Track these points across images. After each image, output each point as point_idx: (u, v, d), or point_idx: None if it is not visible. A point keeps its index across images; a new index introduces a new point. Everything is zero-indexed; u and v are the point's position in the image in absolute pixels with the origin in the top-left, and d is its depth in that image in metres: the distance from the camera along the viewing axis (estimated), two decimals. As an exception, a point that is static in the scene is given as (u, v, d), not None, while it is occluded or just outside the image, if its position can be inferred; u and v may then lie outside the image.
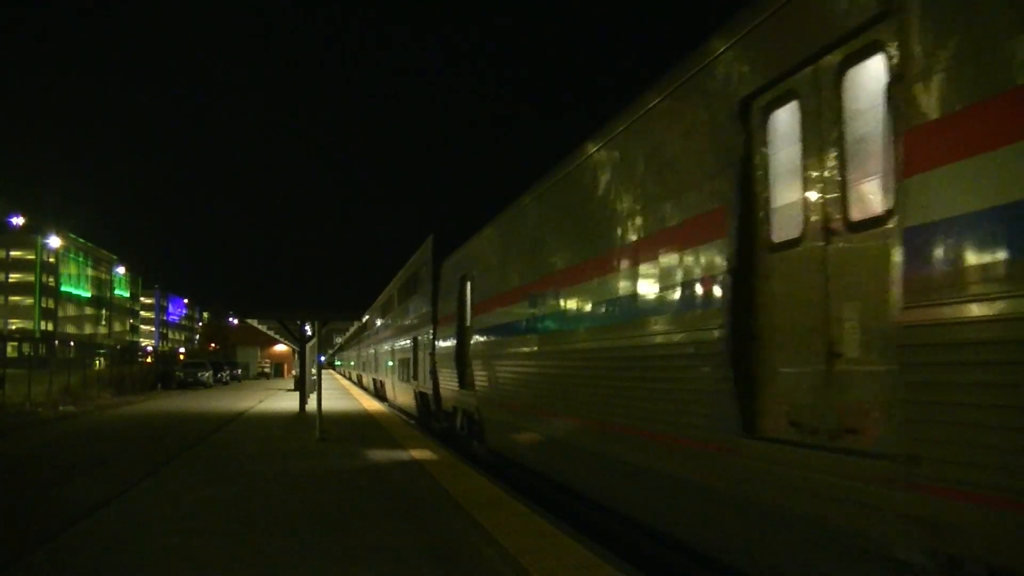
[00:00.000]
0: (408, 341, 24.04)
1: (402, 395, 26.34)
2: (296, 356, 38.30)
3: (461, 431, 16.11)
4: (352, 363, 65.07)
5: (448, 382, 16.73)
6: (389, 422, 21.55)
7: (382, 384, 34.32)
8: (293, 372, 58.76)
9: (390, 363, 30.02)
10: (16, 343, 42.83)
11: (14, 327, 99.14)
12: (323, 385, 23.21)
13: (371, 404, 30.81)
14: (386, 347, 32.30)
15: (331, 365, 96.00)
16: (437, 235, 19.95)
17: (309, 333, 26.20)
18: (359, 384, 51.55)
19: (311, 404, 24.87)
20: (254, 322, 28.01)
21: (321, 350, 24.09)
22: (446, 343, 16.85)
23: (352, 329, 48.37)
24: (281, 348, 75.41)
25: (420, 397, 21.42)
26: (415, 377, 22.09)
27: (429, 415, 20.45)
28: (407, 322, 25.15)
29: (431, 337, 18.95)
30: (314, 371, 26.79)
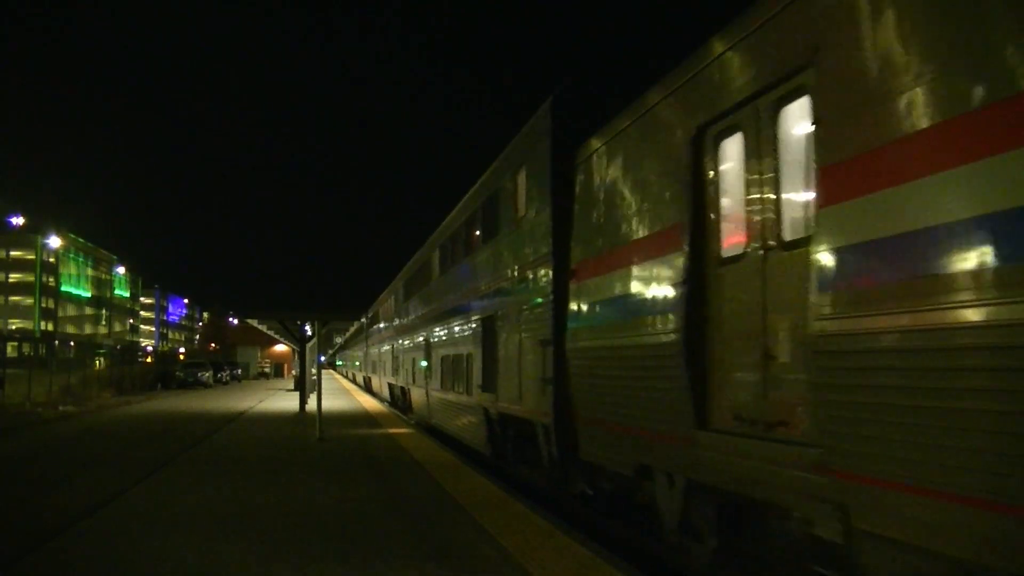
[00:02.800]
0: (465, 327, 15.34)
1: (447, 413, 17.54)
2: (296, 356, 38.26)
3: (681, 537, 6.90)
4: (357, 363, 57.46)
5: (622, 408, 7.82)
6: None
7: (404, 391, 26.32)
8: (293, 372, 58.82)
9: (423, 363, 20.92)
10: (16, 343, 42.83)
11: (14, 327, 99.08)
12: (325, 387, 23.18)
13: (378, 410, 30.74)
14: (414, 340, 23.40)
15: (331, 365, 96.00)
16: (561, 99, 10.09)
17: (309, 333, 26.25)
18: (367, 389, 44.84)
19: (311, 405, 24.81)
20: (254, 322, 28.09)
21: (321, 350, 24.05)
22: (614, 313, 8.16)
23: (354, 327, 48.09)
24: (281, 348, 75.42)
25: (501, 425, 12.51)
26: (486, 387, 13.02)
27: (519, 457, 11.84)
28: (468, 293, 15.40)
29: (548, 306, 9.78)
30: (314, 371, 26.76)
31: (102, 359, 42.35)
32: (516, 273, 11.57)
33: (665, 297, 6.95)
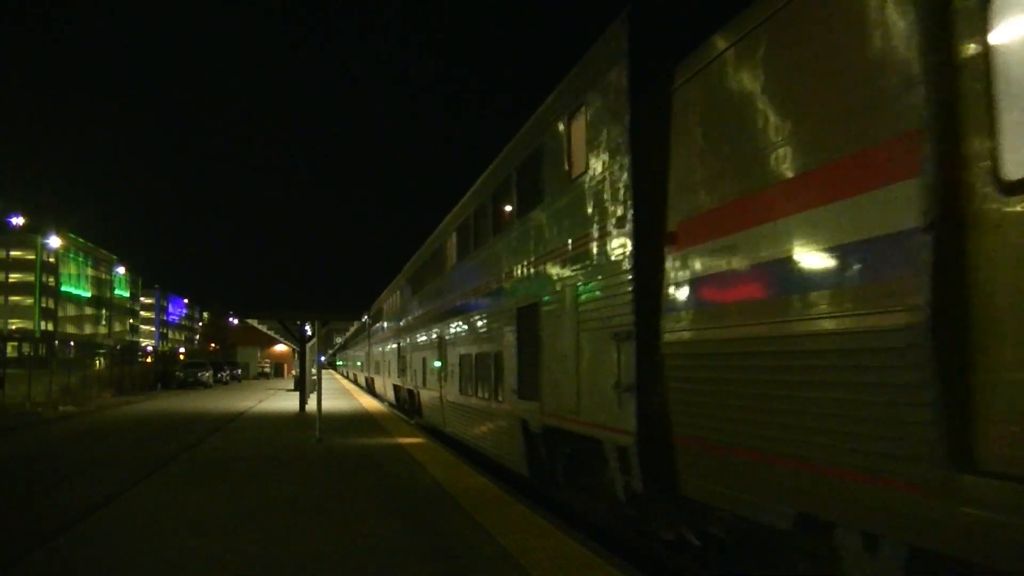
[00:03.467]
0: (493, 320, 13.11)
1: (467, 422, 15.47)
2: (296, 356, 38.22)
3: None
4: (359, 363, 55.32)
5: (774, 429, 5.35)
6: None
7: (412, 395, 24.11)
8: (293, 372, 58.83)
9: (436, 364, 18.85)
10: (16, 343, 42.81)
11: (14, 327, 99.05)
12: (325, 387, 23.17)
13: (383, 413, 30.64)
14: (425, 338, 21.18)
15: (332, 365, 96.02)
16: (639, 12, 7.79)
17: (309, 333, 26.26)
18: (369, 390, 43.05)
19: (312, 405, 24.79)
20: (254, 322, 28.10)
21: (321, 350, 24.03)
22: (763, 287, 5.61)
23: (354, 327, 47.87)
24: (281, 348, 75.43)
25: (546, 441, 10.11)
26: (524, 394, 10.89)
27: (574, 482, 9.71)
28: (496, 279, 13.05)
29: (625, 286, 7.40)
30: (314, 371, 26.73)
31: (102, 359, 42.31)
32: (570, 247, 9.08)
33: (884, 254, 4.37)
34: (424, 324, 21.78)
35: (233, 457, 14.13)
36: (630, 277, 7.29)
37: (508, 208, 12.67)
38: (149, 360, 62.87)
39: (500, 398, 12.33)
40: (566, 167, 9.42)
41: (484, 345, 13.71)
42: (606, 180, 8.02)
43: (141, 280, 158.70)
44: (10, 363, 30.92)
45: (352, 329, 51.61)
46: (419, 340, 22.45)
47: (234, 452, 14.91)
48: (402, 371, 26.29)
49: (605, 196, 8.05)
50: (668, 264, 6.93)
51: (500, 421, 12.46)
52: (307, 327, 25.49)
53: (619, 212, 7.62)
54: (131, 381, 39.08)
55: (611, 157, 7.90)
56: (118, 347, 55.93)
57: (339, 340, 68.47)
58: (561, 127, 9.71)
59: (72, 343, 54.79)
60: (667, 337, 6.83)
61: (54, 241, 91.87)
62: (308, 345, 28.06)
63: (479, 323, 14.39)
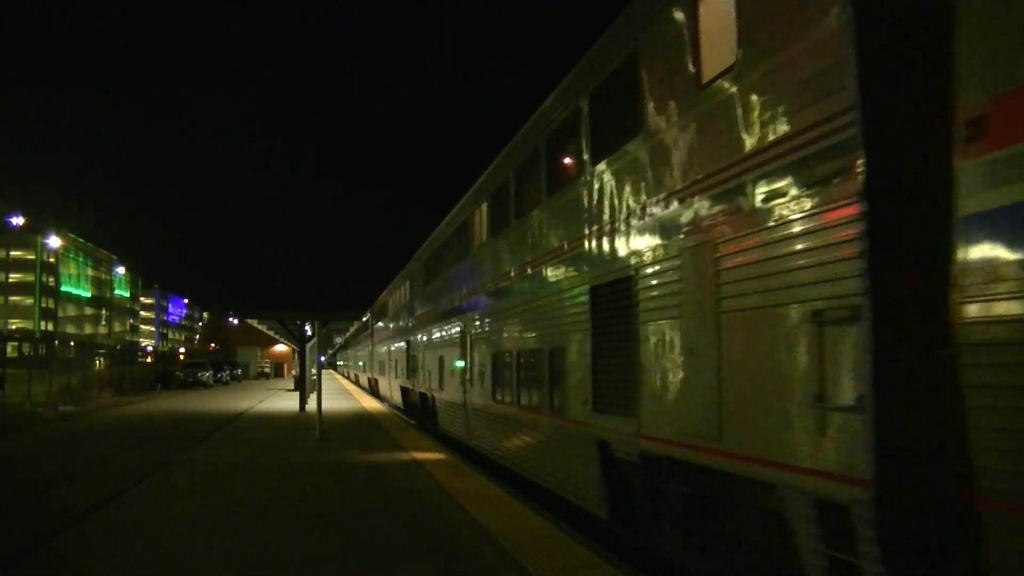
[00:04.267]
0: (549, 306, 10.13)
1: (503, 436, 12.64)
2: (296, 356, 38.16)
3: None
4: (361, 363, 52.18)
5: None
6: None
7: (426, 399, 21.14)
8: (293, 372, 58.85)
9: (458, 364, 16.21)
10: (16, 343, 42.83)
11: (14, 327, 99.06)
12: (325, 387, 23.11)
13: (389, 418, 30.54)
14: (443, 334, 18.23)
15: (332, 365, 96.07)
16: None
17: (309, 333, 26.27)
18: (373, 392, 40.62)
19: (311, 405, 24.78)
20: (254, 322, 28.10)
21: (321, 350, 24.04)
22: None
23: (355, 326, 47.66)
24: (281, 348, 75.45)
25: (646, 475, 7.28)
26: (607, 406, 8.10)
27: (696, 540, 6.58)
28: (552, 252, 10.08)
29: (847, 232, 4.36)
30: (314, 371, 26.70)
31: (102, 359, 42.32)
32: (702, 186, 6.18)
33: None
34: (442, 318, 18.53)
35: (231, 460, 14.12)
36: (857, 212, 4.30)
37: (573, 156, 9.51)
38: (149, 360, 62.98)
39: (560, 408, 9.43)
40: (691, 69, 6.46)
41: (534, 338, 10.78)
42: (790, 66, 5.07)
43: (141, 280, 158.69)
44: (10, 363, 30.90)
45: (353, 328, 51.51)
46: (435, 336, 19.31)
47: (232, 455, 14.90)
48: (412, 372, 23.35)
49: (787, 92, 5.12)
50: (971, 177, 3.85)
51: (559, 439, 9.56)
52: (307, 327, 25.48)
53: (826, 110, 4.63)
54: (131, 381, 39.04)
55: (803, 24, 4.93)
56: (118, 347, 55.98)
57: (339, 340, 68.59)
58: (678, 14, 6.72)
59: (72, 343, 54.79)
60: (979, 310, 3.81)
61: (54, 241, 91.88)
62: (308, 345, 28.07)
63: (526, 310, 11.29)
